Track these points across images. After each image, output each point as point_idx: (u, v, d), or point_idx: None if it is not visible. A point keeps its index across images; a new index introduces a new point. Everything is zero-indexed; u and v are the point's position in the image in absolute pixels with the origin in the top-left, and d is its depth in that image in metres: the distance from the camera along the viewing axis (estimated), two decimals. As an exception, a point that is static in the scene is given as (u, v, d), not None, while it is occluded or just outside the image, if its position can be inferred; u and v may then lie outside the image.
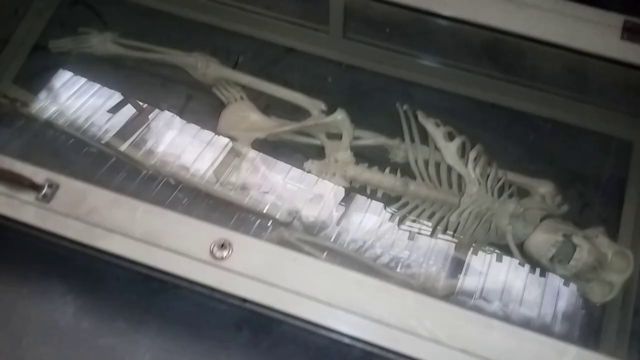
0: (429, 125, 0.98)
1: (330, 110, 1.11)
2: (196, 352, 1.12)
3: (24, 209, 0.82)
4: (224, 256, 0.79)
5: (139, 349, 1.12)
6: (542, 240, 0.90)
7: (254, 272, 0.78)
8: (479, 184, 0.95)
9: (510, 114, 1.19)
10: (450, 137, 0.98)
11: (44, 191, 0.83)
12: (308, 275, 0.78)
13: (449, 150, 0.96)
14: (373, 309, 0.75)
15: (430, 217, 1.05)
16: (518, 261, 0.97)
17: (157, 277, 1.11)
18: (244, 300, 1.03)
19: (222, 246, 0.79)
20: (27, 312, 1.16)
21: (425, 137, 1.05)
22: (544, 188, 1.05)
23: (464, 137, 0.98)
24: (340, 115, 1.10)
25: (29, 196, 0.83)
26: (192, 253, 0.79)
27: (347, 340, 1.03)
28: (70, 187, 0.84)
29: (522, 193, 1.05)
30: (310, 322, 0.76)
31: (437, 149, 1.00)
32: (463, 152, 0.97)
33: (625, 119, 1.12)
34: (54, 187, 0.83)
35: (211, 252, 0.79)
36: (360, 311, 0.75)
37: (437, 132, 0.97)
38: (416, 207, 1.06)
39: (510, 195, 1.00)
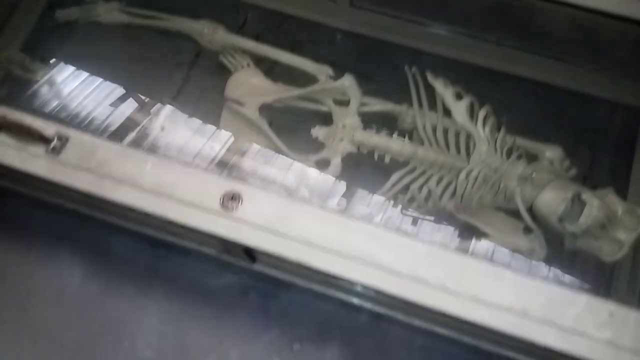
0: (438, 85, 0.97)
1: (337, 77, 1.12)
2: (203, 317, 1.12)
3: (34, 162, 0.83)
4: (235, 207, 0.79)
5: (146, 313, 1.12)
6: (552, 197, 0.90)
7: (265, 223, 0.78)
8: (488, 143, 0.95)
9: (519, 82, 1.19)
10: (459, 97, 0.98)
11: (53, 144, 0.83)
12: (318, 226, 0.78)
13: (459, 109, 0.95)
14: (383, 258, 0.75)
15: (438, 182, 1.05)
16: (527, 223, 0.97)
17: (165, 242, 1.12)
18: (253, 260, 1.03)
19: (233, 198, 0.79)
20: (34, 277, 1.16)
21: (433, 104, 1.05)
22: (552, 152, 1.05)
23: (473, 97, 0.98)
24: (347, 81, 1.10)
25: (39, 149, 0.83)
26: (203, 204, 0.79)
27: (355, 301, 1.03)
28: (80, 140, 0.84)
29: (531, 158, 1.04)
30: (319, 271, 0.76)
31: (445, 109, 1.00)
32: (472, 113, 0.97)
33: (634, 85, 1.13)
34: (63, 140, 0.83)
35: (222, 203, 0.79)
36: (370, 260, 0.75)
37: (446, 92, 0.97)
38: (424, 172, 1.06)
39: (519, 157, 1.00)
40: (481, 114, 0.96)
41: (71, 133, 0.84)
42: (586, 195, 0.89)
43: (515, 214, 1.03)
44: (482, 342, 0.98)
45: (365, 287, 1.01)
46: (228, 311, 1.12)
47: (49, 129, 0.84)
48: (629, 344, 0.70)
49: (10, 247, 1.18)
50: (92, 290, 1.15)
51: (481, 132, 0.94)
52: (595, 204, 0.87)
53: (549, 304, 0.72)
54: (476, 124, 0.95)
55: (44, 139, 0.83)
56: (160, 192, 0.80)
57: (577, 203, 0.88)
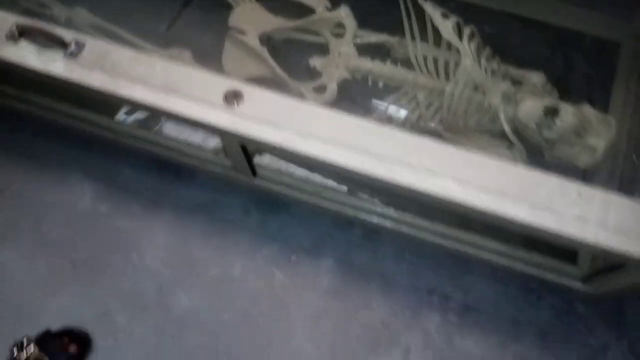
0: (427, 6, 1.04)
1: (334, 9, 1.19)
2: (206, 234, 1.19)
3: (53, 64, 0.89)
4: (237, 103, 0.86)
5: (153, 230, 1.20)
6: (531, 106, 0.97)
7: (265, 117, 0.85)
8: (473, 58, 1.01)
9: (504, 17, 1.26)
10: (446, 17, 1.05)
11: (71, 49, 0.90)
12: (313, 120, 0.84)
13: (446, 26, 1.02)
14: (373, 147, 0.82)
15: (428, 106, 1.12)
16: (509, 137, 1.04)
17: (171, 164, 1.19)
18: (254, 173, 1.10)
19: (235, 95, 0.86)
20: (47, 198, 1.23)
21: (424, 33, 1.11)
22: (535, 78, 1.11)
23: (460, 18, 1.04)
24: (344, 11, 1.17)
25: (58, 54, 0.90)
26: (207, 99, 0.86)
27: (350, 213, 1.10)
28: (96, 46, 0.90)
29: (515, 84, 1.11)
30: (316, 160, 0.83)
31: (435, 37, 1.07)
32: (459, 32, 1.04)
33: (613, 20, 1.20)
34: (80, 45, 0.90)
35: (225, 99, 0.86)
36: (362, 148, 0.82)
37: (434, 12, 1.03)
38: (415, 96, 1.13)
39: (504, 77, 1.07)
40: (466, 31, 1.02)
41: (87, 40, 0.91)
42: (562, 105, 0.96)
43: (499, 135, 1.10)
44: (463, 246, 1.06)
45: (359, 197, 1.09)
46: (231, 228, 1.20)
47: (67, 35, 0.91)
48: (594, 218, 0.77)
49: (25, 170, 1.26)
50: (102, 209, 1.22)
51: (466, 47, 1.01)
52: (570, 110, 0.94)
53: (522, 185, 0.79)
54: (462, 40, 1.01)
55: (62, 44, 0.90)
56: (168, 89, 0.87)
57: (555, 110, 0.95)
